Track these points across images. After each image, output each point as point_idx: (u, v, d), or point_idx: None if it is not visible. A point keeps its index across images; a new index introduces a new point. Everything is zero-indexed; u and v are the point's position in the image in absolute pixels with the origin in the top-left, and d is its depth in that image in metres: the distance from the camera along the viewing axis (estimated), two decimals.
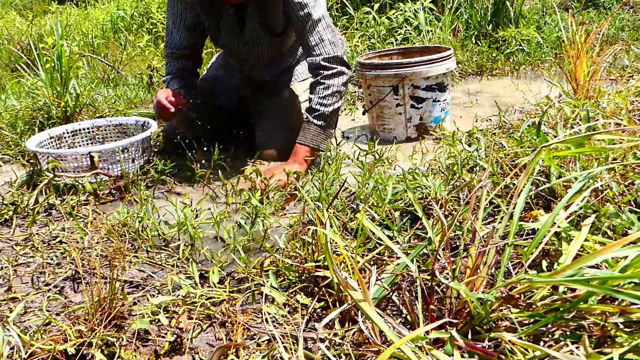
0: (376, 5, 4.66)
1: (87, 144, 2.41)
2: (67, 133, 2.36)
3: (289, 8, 2.07)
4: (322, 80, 2.08)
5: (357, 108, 3.12)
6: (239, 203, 1.79)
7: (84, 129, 2.40)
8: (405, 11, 4.41)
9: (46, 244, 1.56)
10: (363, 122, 2.82)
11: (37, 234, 1.63)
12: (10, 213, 1.76)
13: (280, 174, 1.90)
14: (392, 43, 4.23)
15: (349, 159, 2.05)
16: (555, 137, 1.57)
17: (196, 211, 1.68)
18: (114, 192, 1.95)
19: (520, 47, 4.06)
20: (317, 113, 2.07)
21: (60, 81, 2.75)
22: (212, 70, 2.60)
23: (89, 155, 1.98)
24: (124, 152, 2.05)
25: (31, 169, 2.10)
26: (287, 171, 1.90)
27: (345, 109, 3.14)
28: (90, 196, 1.89)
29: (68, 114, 2.76)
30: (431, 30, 4.21)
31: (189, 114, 2.27)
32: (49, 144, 2.28)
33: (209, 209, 1.72)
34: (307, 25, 2.06)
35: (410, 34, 4.27)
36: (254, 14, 2.18)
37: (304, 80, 2.46)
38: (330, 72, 2.08)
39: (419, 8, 4.36)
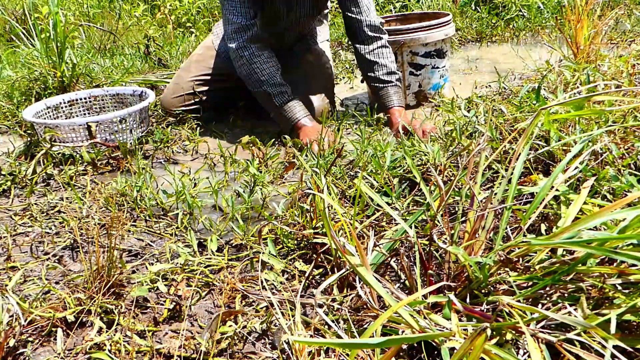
0: None
1: (85, 113, 2.40)
2: (64, 103, 2.34)
3: None
4: (385, 44, 2.15)
5: (355, 76, 3.09)
6: (238, 172, 1.78)
7: (80, 99, 2.38)
8: None
9: (45, 214, 1.56)
10: (362, 90, 2.79)
11: (35, 204, 1.62)
12: (9, 183, 1.75)
13: (420, 126, 1.90)
14: (391, 10, 4.18)
15: (348, 127, 2.04)
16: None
17: (194, 180, 1.67)
18: (112, 162, 1.94)
19: (521, 13, 4.00)
20: (397, 76, 2.13)
21: (55, 51, 2.71)
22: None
23: (86, 126, 1.96)
24: (121, 123, 2.03)
25: (28, 139, 2.08)
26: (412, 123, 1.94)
27: (344, 77, 3.11)
28: (89, 166, 1.89)
29: (65, 84, 2.73)
30: None
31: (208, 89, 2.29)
32: (45, 114, 2.26)
33: (207, 178, 1.71)
34: None
35: (409, 0, 4.20)
36: None
37: (321, 42, 2.44)
38: (386, 36, 2.16)
39: None
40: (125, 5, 4.82)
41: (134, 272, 1.23)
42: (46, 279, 1.22)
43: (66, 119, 2.34)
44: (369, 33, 2.12)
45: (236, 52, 2.04)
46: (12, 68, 3.22)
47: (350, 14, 2.14)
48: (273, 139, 2.00)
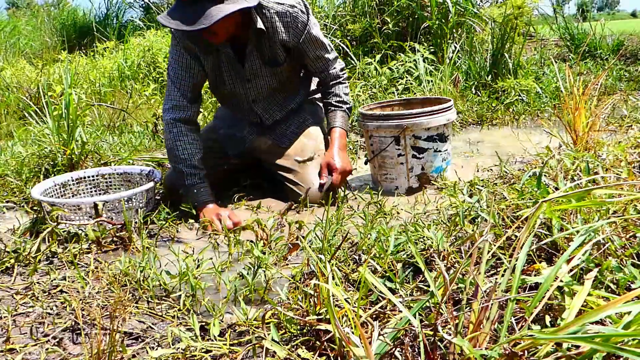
0: (378, 56, 4.76)
1: (91, 191, 2.43)
2: (72, 181, 2.38)
3: (304, 31, 2.27)
4: (343, 81, 2.49)
5: (359, 157, 3.14)
6: (241, 252, 1.79)
7: (88, 177, 2.42)
8: (406, 62, 4.50)
9: (46, 293, 1.55)
10: (365, 172, 2.84)
11: (38, 282, 1.62)
12: (12, 261, 1.76)
13: (345, 161, 2.35)
14: (394, 93, 4.30)
15: (351, 209, 2.06)
16: (556, 188, 1.58)
17: (198, 261, 1.68)
18: (117, 240, 1.95)
19: (520, 97, 4.12)
20: (348, 106, 2.47)
21: (66, 129, 2.79)
22: (219, 127, 2.63)
23: (93, 204, 1.99)
24: (128, 202, 2.06)
25: (35, 216, 2.11)
26: (340, 158, 2.33)
27: None
28: (93, 244, 1.90)
29: (73, 161, 2.79)
30: (431, 81, 4.29)
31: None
32: (53, 191, 2.30)
33: (211, 258, 1.72)
34: (318, 48, 2.37)
35: (411, 84, 4.34)
36: (253, 48, 2.26)
37: (315, 123, 2.52)
38: (345, 77, 2.50)
39: (419, 59, 4.44)
40: (137, 85, 4.98)
41: (134, 356, 1.21)
42: None
43: (73, 196, 2.37)
44: (330, 81, 2.48)
45: (167, 126, 2.25)
46: (22, 145, 3.29)
47: (315, 71, 2.48)
48: (277, 220, 2.02)
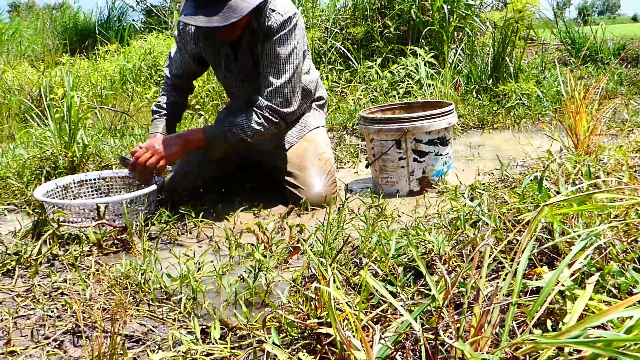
0: (379, 60, 4.77)
1: (93, 194, 2.43)
2: (74, 183, 2.38)
3: (270, 40, 2.17)
4: (259, 118, 2.20)
5: (360, 161, 3.15)
6: (242, 256, 1.79)
7: (90, 180, 2.42)
8: (407, 66, 4.50)
9: (47, 296, 1.55)
10: (366, 175, 2.84)
11: (39, 284, 1.62)
12: (13, 263, 1.76)
13: (162, 144, 2.19)
14: (395, 96, 4.31)
15: (352, 212, 2.06)
16: (557, 192, 1.58)
17: (199, 264, 1.68)
18: (118, 242, 1.95)
19: (521, 101, 4.12)
20: (235, 130, 2.19)
21: (68, 132, 2.79)
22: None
23: (95, 207, 1.99)
24: (130, 204, 2.06)
25: (36, 218, 2.11)
26: (162, 145, 2.19)
27: (348, 162, 3.16)
28: (94, 247, 1.90)
29: (75, 163, 2.79)
30: (432, 84, 4.29)
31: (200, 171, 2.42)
32: (55, 193, 2.30)
33: (212, 261, 1.72)
34: (273, 67, 2.20)
35: (412, 87, 4.34)
36: (246, 50, 2.26)
37: (316, 128, 2.51)
38: (270, 118, 2.21)
39: (420, 63, 4.45)
40: (138, 88, 4.99)
41: (135, 359, 1.21)
42: None
43: (74, 199, 2.37)
44: (256, 109, 2.21)
45: (162, 83, 2.58)
46: (24, 147, 3.30)
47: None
48: (278, 223, 2.02)
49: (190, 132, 2.25)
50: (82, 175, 2.42)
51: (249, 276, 1.53)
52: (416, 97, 4.21)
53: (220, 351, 1.20)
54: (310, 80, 2.47)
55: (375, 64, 4.68)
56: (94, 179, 2.43)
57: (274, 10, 2.15)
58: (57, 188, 2.32)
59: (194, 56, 2.41)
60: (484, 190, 1.92)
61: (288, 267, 1.69)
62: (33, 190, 2.22)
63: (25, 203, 2.50)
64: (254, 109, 2.21)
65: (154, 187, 2.17)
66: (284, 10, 2.16)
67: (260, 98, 2.21)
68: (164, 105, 2.44)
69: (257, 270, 1.54)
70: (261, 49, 2.21)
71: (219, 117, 2.70)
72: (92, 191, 2.43)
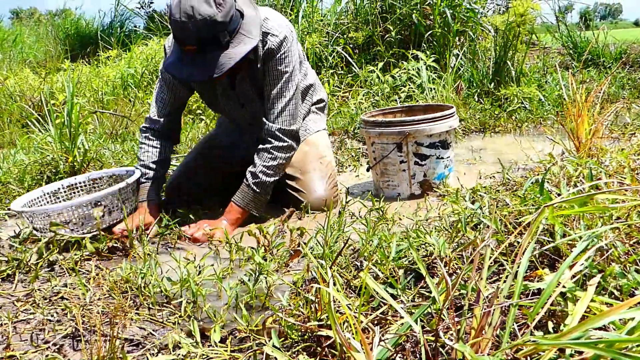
0: (380, 64, 4.77)
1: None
2: (63, 188, 2.33)
3: (270, 62, 2.15)
4: (271, 150, 2.18)
5: (361, 164, 3.14)
6: (243, 259, 1.78)
7: (79, 183, 2.38)
8: (409, 70, 4.50)
9: (47, 300, 1.55)
10: (367, 179, 2.83)
11: (38, 289, 1.62)
12: (13, 268, 1.76)
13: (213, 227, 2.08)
14: (396, 100, 4.31)
15: (353, 215, 2.06)
16: (558, 195, 1.57)
17: (199, 267, 1.67)
18: (117, 244, 1.95)
19: (522, 105, 4.12)
20: (257, 180, 2.17)
21: (69, 137, 2.79)
22: (220, 135, 2.63)
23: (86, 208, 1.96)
24: (96, 206, 2.00)
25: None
26: (215, 228, 2.07)
27: (349, 165, 3.16)
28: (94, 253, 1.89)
29: (75, 168, 2.80)
30: (434, 89, 4.29)
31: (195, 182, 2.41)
32: (43, 201, 2.24)
33: (212, 265, 1.71)
34: (277, 87, 2.17)
35: (413, 91, 4.34)
36: (245, 76, 2.23)
37: (317, 132, 2.49)
38: (281, 144, 2.18)
39: (421, 67, 4.45)
40: (140, 93, 5.00)
41: None
42: None
43: None
44: (266, 136, 2.20)
45: (141, 131, 2.36)
46: (25, 153, 3.30)
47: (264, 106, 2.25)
48: (279, 227, 2.01)
49: (228, 215, 2.17)
50: (71, 179, 2.37)
51: (249, 279, 1.53)
52: (417, 101, 4.21)
53: (220, 354, 1.19)
54: (307, 84, 2.46)
55: (377, 69, 4.68)
56: (84, 182, 2.38)
57: (268, 34, 2.12)
58: (44, 195, 2.25)
59: (182, 90, 2.32)
60: (485, 193, 1.92)
61: (289, 271, 1.68)
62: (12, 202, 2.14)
63: None
64: (261, 146, 2.20)
65: (123, 184, 2.10)
66: (278, 30, 2.13)
67: (267, 122, 2.19)
68: (152, 166, 2.28)
69: (257, 274, 1.54)
70: (262, 71, 2.18)
71: (219, 121, 2.70)
72: (83, 195, 2.37)
